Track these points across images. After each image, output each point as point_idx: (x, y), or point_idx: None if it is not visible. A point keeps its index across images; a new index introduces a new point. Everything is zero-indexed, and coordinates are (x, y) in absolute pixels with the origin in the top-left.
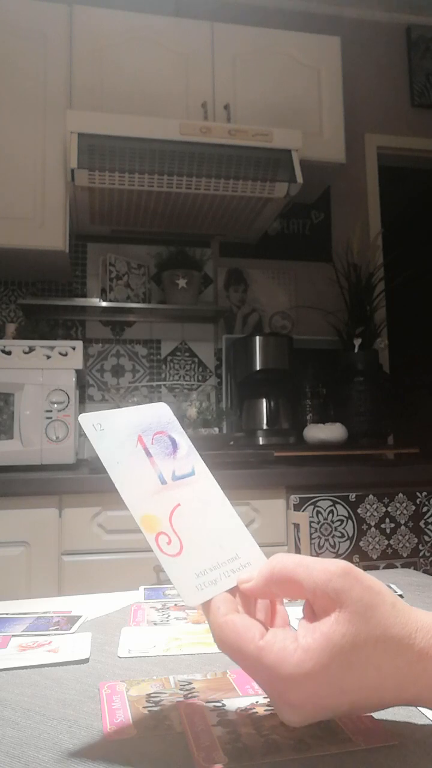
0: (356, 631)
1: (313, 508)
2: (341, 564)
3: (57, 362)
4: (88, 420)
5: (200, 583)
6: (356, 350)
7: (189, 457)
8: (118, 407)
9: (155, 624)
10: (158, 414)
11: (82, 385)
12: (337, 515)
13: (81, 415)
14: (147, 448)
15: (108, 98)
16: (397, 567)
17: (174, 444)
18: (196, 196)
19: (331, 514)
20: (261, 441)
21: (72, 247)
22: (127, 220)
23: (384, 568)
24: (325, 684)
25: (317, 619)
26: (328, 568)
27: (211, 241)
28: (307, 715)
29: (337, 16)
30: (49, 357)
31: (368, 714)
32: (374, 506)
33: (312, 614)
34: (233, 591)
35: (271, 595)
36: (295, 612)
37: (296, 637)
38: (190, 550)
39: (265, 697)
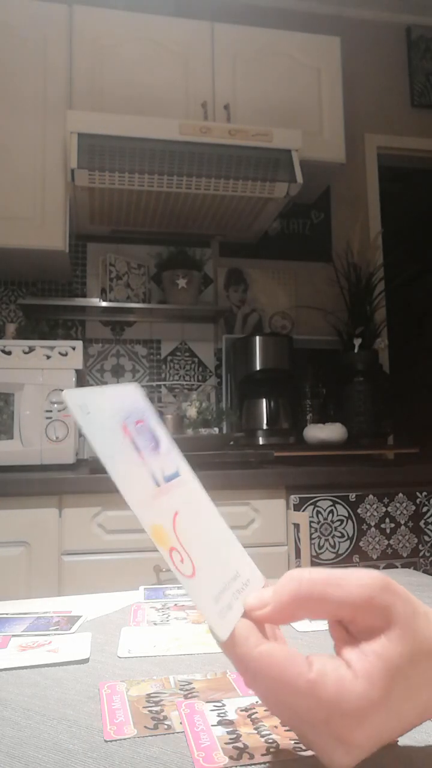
0: (411, 648)
1: (313, 508)
2: (378, 576)
3: (57, 362)
4: (74, 399)
5: (220, 609)
6: (356, 350)
7: (171, 453)
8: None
9: (155, 624)
10: (134, 398)
11: (82, 385)
12: (337, 515)
13: (65, 390)
14: (134, 440)
15: (108, 98)
16: (397, 567)
17: (155, 437)
18: (196, 196)
19: (331, 514)
20: (261, 441)
21: (72, 247)
22: (127, 220)
23: (384, 568)
24: (388, 713)
25: (358, 639)
26: (365, 583)
27: (211, 241)
28: (363, 753)
29: (337, 16)
30: (49, 357)
31: None
32: (374, 506)
33: (347, 635)
34: (244, 617)
35: (288, 619)
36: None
37: (348, 664)
38: (201, 570)
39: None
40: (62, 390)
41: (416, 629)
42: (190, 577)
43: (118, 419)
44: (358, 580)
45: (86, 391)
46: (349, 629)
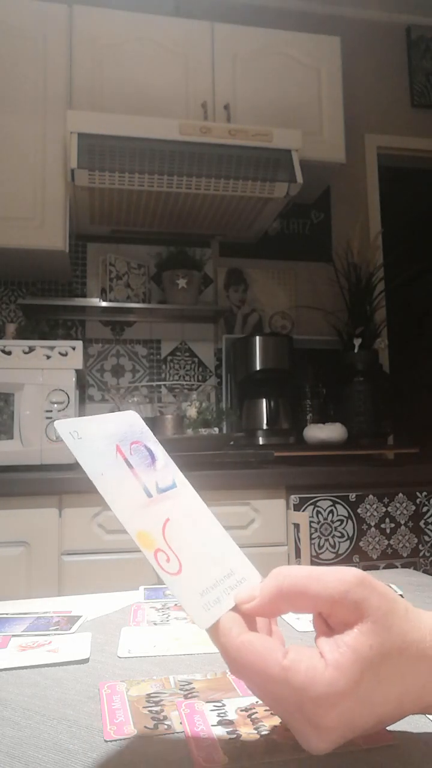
0: (382, 641)
1: (313, 508)
2: (355, 572)
3: (57, 362)
4: (65, 427)
5: (206, 603)
6: (356, 350)
7: (168, 468)
8: (118, 408)
9: (155, 624)
10: (131, 423)
11: (82, 385)
12: (337, 515)
13: (56, 421)
14: (127, 458)
15: (108, 98)
16: (397, 567)
17: (151, 454)
18: (196, 196)
19: (331, 514)
20: (261, 441)
21: (72, 247)
22: (127, 220)
23: (384, 568)
24: (357, 701)
25: (335, 632)
26: (343, 579)
27: (211, 241)
28: (337, 739)
29: (337, 16)
30: (49, 357)
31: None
32: (374, 506)
33: (326, 627)
34: (234, 610)
35: (276, 612)
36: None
37: (321, 654)
38: (189, 568)
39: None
40: (62, 390)
41: (391, 624)
42: (175, 575)
43: (110, 441)
44: (336, 576)
45: (77, 419)
46: (329, 623)
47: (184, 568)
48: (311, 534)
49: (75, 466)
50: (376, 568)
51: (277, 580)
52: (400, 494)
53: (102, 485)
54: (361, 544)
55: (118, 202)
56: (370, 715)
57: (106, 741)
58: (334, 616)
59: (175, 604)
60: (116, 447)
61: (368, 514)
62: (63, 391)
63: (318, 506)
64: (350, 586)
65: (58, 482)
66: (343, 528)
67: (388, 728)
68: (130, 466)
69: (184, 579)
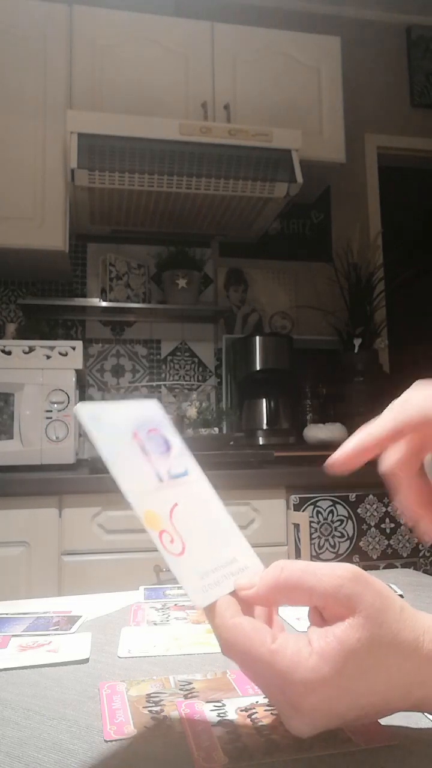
0: (370, 636)
1: (313, 508)
2: (350, 568)
3: (57, 362)
4: (86, 410)
5: (205, 584)
6: (356, 350)
7: (182, 456)
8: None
9: (155, 624)
10: (150, 411)
11: (82, 385)
12: (337, 515)
13: (79, 404)
14: (143, 444)
15: (108, 98)
16: (397, 567)
17: (167, 442)
18: (196, 196)
19: (331, 514)
20: (261, 441)
21: (72, 247)
22: (127, 220)
23: (384, 568)
24: (338, 690)
25: (327, 624)
26: (338, 574)
27: (211, 241)
28: (318, 723)
29: (337, 16)
30: (49, 357)
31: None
32: (374, 506)
33: (320, 620)
34: (233, 595)
35: (272, 602)
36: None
37: (309, 642)
38: (192, 550)
39: (265, 698)
40: (62, 390)
41: (382, 621)
42: (178, 555)
43: (129, 426)
44: (331, 571)
45: (99, 403)
46: (324, 616)
47: (187, 550)
48: (311, 534)
49: (75, 466)
50: (376, 568)
51: (275, 572)
52: None
53: (114, 467)
54: (361, 544)
55: (118, 202)
56: (352, 704)
57: (106, 741)
58: (328, 609)
59: (175, 604)
60: (133, 432)
61: (368, 514)
62: (63, 391)
63: (318, 506)
64: (344, 581)
65: (58, 482)
66: (343, 528)
67: (388, 728)
68: (144, 451)
69: (186, 560)
